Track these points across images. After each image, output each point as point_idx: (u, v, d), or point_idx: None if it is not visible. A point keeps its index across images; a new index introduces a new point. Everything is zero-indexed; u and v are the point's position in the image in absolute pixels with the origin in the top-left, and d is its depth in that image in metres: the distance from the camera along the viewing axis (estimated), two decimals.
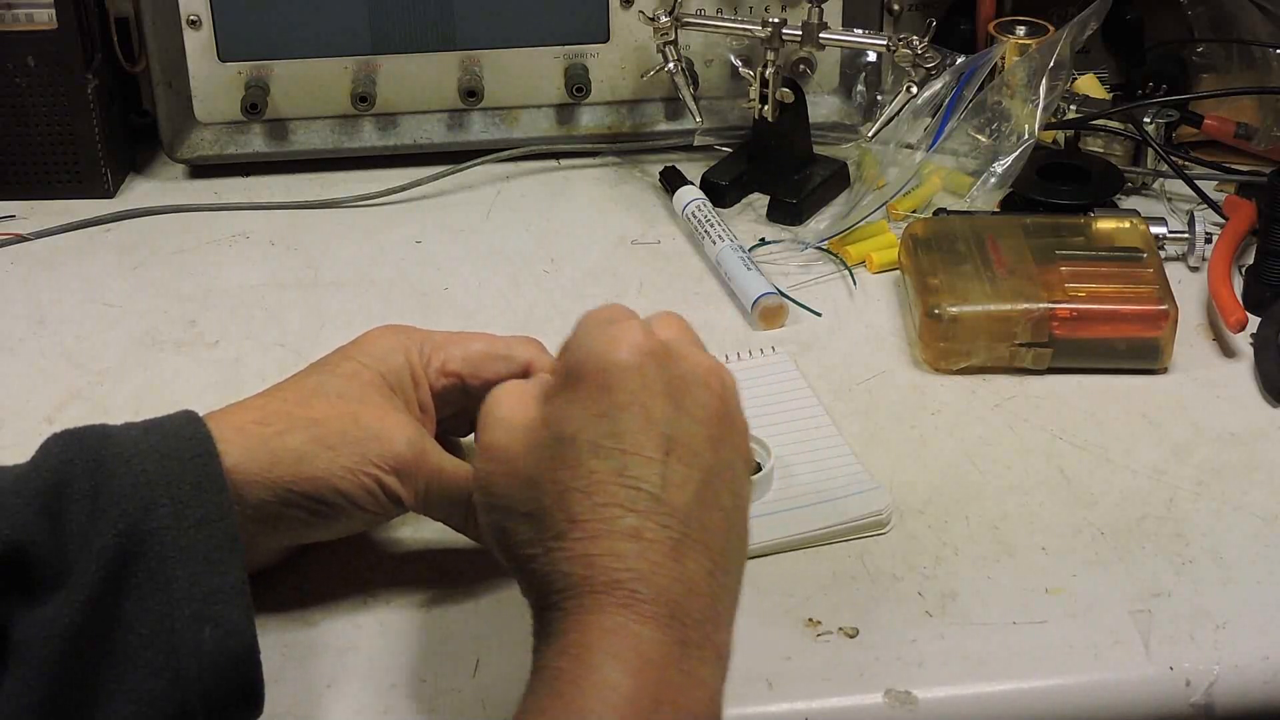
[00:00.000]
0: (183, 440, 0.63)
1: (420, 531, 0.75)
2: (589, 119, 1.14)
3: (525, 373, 0.73)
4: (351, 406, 0.68)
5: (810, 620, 0.71)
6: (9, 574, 0.58)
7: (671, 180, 1.08)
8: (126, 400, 0.88)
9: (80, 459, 0.61)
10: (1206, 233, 0.99)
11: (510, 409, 0.62)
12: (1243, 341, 0.91)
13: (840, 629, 0.70)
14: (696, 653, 0.57)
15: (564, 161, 1.15)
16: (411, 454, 0.68)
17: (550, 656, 0.56)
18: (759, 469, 0.77)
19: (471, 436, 0.78)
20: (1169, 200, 1.08)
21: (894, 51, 1.02)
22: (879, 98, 1.13)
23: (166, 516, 0.60)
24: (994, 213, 1.02)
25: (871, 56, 1.13)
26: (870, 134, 1.05)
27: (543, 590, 0.58)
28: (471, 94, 1.11)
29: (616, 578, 0.56)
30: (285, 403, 0.68)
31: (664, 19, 1.06)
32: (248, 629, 0.60)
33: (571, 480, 0.58)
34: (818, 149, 1.10)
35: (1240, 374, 0.89)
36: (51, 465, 0.61)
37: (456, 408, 0.75)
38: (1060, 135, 1.09)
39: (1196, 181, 1.05)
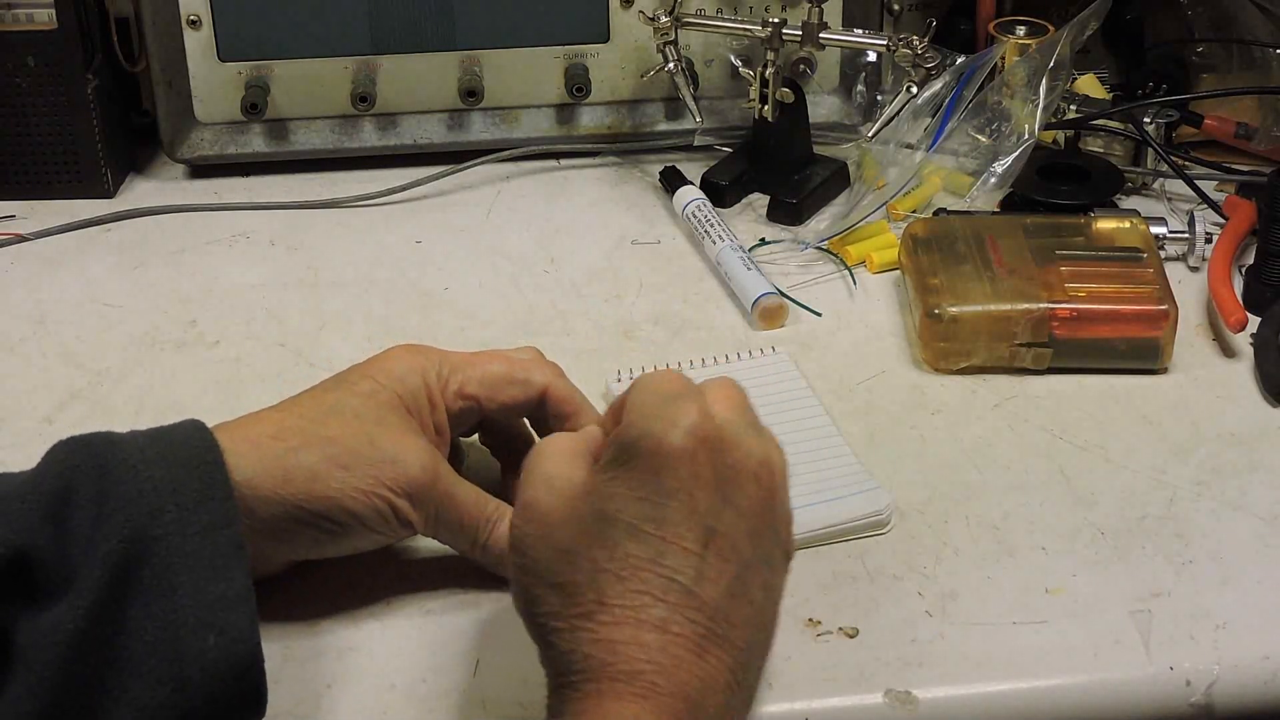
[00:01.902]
0: (189, 448, 0.63)
1: None
2: (589, 119, 1.14)
3: (541, 398, 0.73)
4: (367, 427, 0.68)
5: (810, 620, 0.71)
6: (14, 579, 0.58)
7: (671, 180, 1.08)
8: (126, 400, 0.88)
9: (86, 465, 0.61)
10: (1206, 233, 0.99)
11: (556, 468, 0.61)
12: (1243, 341, 0.91)
13: (840, 629, 0.70)
14: None
15: (564, 161, 1.15)
16: (425, 479, 0.68)
17: None
18: None
19: (475, 437, 0.78)
20: (1169, 200, 1.08)
21: (894, 51, 1.02)
22: (879, 98, 1.13)
23: (172, 523, 0.60)
24: (994, 213, 1.02)
25: (871, 56, 1.13)
26: (870, 134, 1.05)
27: (561, 667, 0.58)
28: (471, 94, 1.11)
29: (638, 668, 0.56)
30: (301, 419, 0.68)
31: (664, 19, 1.06)
32: (252, 636, 0.60)
33: (607, 561, 0.58)
34: (818, 149, 1.10)
35: (1240, 374, 0.89)
36: (57, 471, 0.61)
37: (470, 428, 0.75)
38: (1060, 135, 1.09)
39: (1196, 181, 1.05)
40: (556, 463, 0.61)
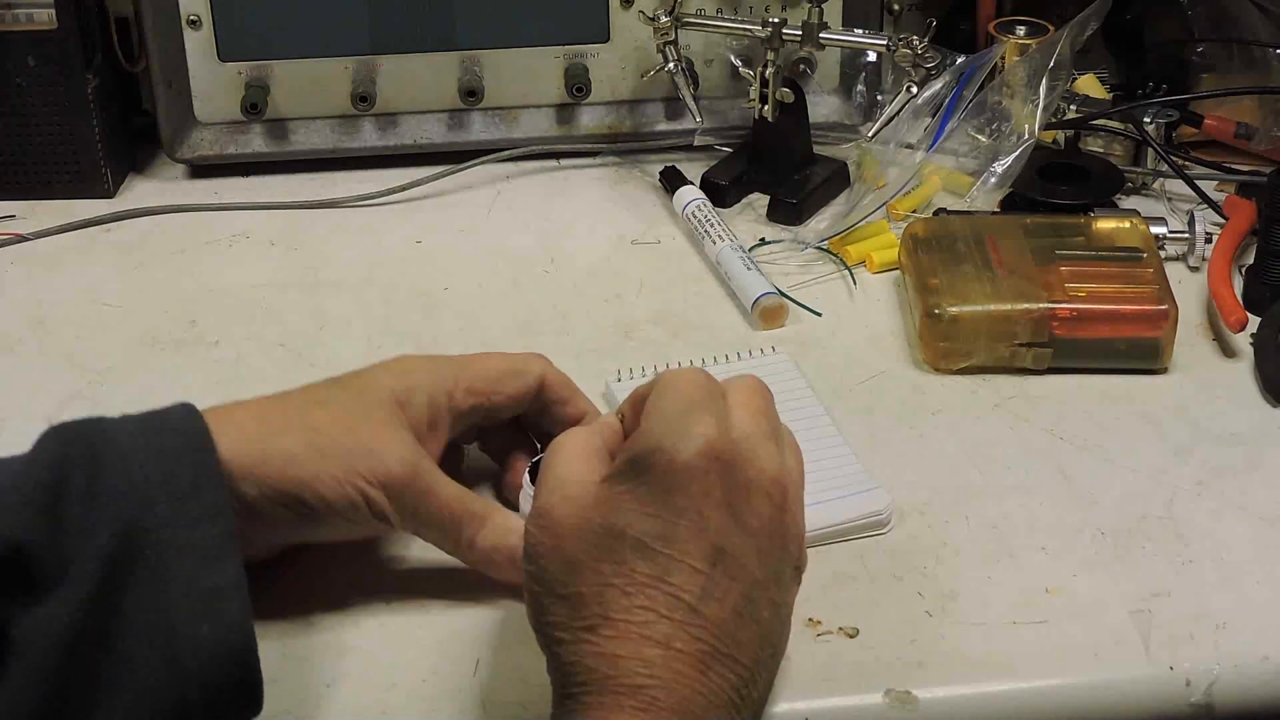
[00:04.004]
0: (181, 435, 0.63)
1: None
2: (589, 119, 1.14)
3: (540, 387, 0.74)
4: (351, 420, 0.68)
5: (810, 620, 0.71)
6: (7, 573, 0.58)
7: (671, 180, 1.08)
8: (126, 401, 0.87)
9: (77, 455, 0.61)
10: (1206, 233, 0.99)
11: (569, 470, 0.61)
12: (1243, 341, 0.91)
13: (840, 629, 0.70)
14: None
15: (564, 161, 1.15)
16: (401, 472, 0.68)
17: None
18: None
19: (475, 444, 0.78)
20: (1169, 200, 1.08)
21: (894, 51, 1.02)
22: (879, 98, 1.13)
23: (165, 513, 0.60)
24: (994, 213, 1.02)
25: (871, 56, 1.13)
26: (870, 134, 1.05)
27: (565, 678, 0.58)
28: (471, 94, 1.11)
29: (639, 682, 0.56)
30: (287, 407, 0.69)
31: (664, 19, 1.06)
32: (246, 625, 0.60)
33: (613, 575, 0.58)
34: (818, 149, 1.10)
35: (1240, 374, 0.89)
36: (47, 462, 0.61)
37: (471, 435, 0.76)
38: (1060, 135, 1.09)
39: (1196, 181, 1.05)
40: (570, 464, 0.62)
